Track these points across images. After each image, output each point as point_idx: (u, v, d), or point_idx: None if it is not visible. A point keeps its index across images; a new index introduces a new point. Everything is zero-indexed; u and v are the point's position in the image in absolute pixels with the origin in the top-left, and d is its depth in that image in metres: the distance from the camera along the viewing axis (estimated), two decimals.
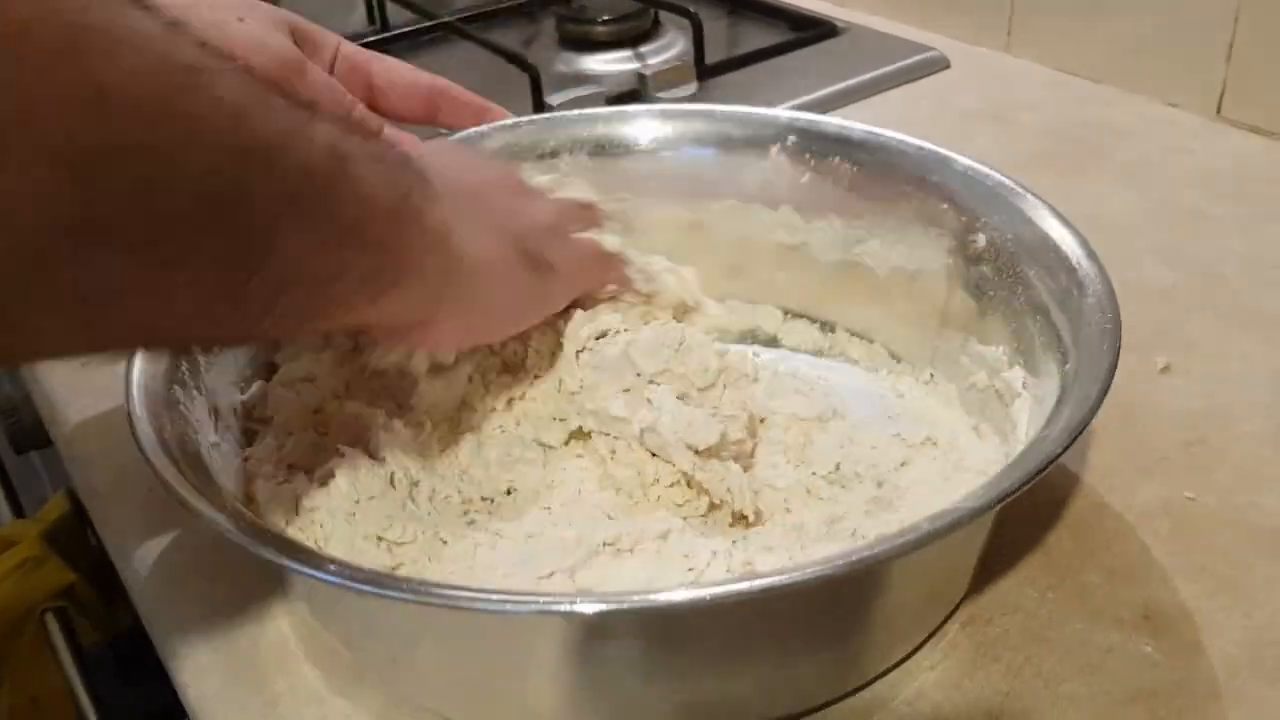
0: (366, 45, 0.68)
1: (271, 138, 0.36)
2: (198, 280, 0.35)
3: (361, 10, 1.13)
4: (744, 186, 0.63)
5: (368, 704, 0.46)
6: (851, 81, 0.94)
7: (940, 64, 0.99)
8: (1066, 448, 0.41)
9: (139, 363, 0.48)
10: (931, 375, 0.59)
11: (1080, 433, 0.42)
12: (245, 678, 0.48)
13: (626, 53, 1.00)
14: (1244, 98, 0.85)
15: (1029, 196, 0.55)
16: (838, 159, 0.61)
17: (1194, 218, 0.76)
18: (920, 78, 0.97)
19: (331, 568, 0.39)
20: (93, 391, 0.63)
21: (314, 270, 0.39)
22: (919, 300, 0.59)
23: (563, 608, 0.37)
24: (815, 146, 0.61)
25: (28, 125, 0.28)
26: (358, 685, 0.47)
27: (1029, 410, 0.50)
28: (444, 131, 0.67)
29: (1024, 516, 0.53)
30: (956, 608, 0.49)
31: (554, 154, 0.65)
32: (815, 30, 1.03)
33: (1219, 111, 0.87)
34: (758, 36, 1.04)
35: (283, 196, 0.36)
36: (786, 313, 0.64)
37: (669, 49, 1.01)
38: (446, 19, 1.06)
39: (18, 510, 0.92)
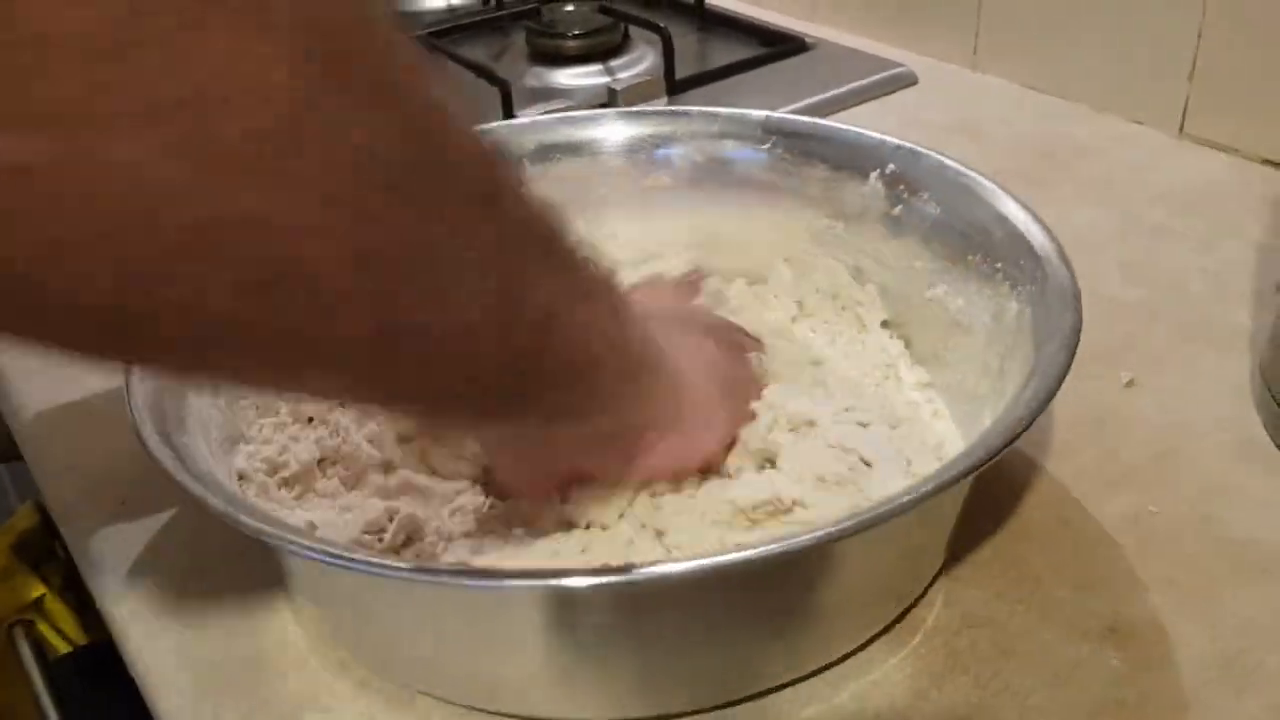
0: None
1: (537, 311, 0.36)
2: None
3: None
4: (844, 208, 0.63)
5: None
6: (820, 96, 0.95)
7: (908, 80, 1.00)
8: (1026, 427, 0.42)
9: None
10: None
11: (1034, 419, 0.43)
12: (217, 691, 0.48)
13: (596, 67, 1.01)
14: (1207, 115, 0.87)
15: (1065, 271, 0.52)
16: (927, 195, 0.60)
17: (1158, 233, 0.77)
18: (888, 93, 0.98)
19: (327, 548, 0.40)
20: (64, 403, 0.63)
21: (556, 412, 0.42)
22: (968, 359, 0.57)
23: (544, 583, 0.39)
24: (911, 177, 0.61)
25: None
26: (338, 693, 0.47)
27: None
28: None
29: (991, 529, 0.53)
30: (912, 609, 0.49)
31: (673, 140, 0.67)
32: (785, 46, 1.04)
33: (1182, 129, 0.88)
34: (727, 51, 1.05)
35: (543, 372, 0.38)
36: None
37: (639, 63, 1.01)
38: (415, 33, 1.06)
39: None
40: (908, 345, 0.62)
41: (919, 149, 0.61)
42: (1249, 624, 0.48)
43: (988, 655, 0.47)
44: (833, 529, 0.39)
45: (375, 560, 0.41)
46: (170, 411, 0.47)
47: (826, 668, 0.47)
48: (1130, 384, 0.62)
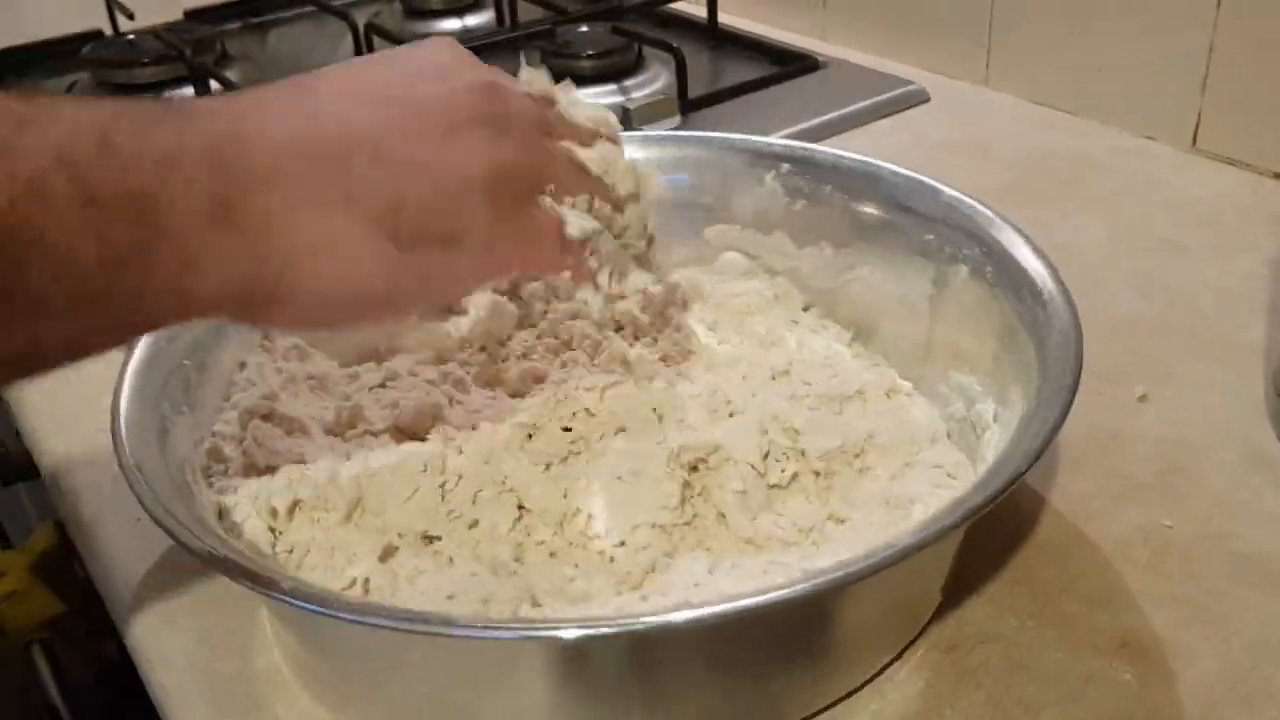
0: None
1: None
2: None
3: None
4: (740, 212, 0.67)
5: None
6: (833, 115, 0.96)
7: (920, 97, 1.00)
8: (1030, 466, 0.42)
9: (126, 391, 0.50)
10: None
11: (1040, 454, 0.43)
12: (234, 709, 0.48)
13: (610, 87, 1.01)
14: (1218, 130, 0.87)
15: (1007, 227, 0.56)
16: (830, 187, 0.63)
17: (1169, 248, 0.77)
18: (900, 111, 0.99)
19: (316, 596, 0.40)
20: (80, 423, 0.63)
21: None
22: (905, 328, 0.61)
23: (543, 633, 0.39)
24: (809, 174, 0.64)
25: None
26: (349, 712, 0.47)
27: (996, 441, 0.50)
28: None
29: (1003, 545, 0.53)
30: (926, 626, 0.49)
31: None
32: (797, 65, 1.05)
33: (1194, 144, 0.88)
34: (740, 71, 1.06)
35: None
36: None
37: (652, 83, 1.02)
38: None
39: (4, 542, 0.92)
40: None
41: (812, 146, 0.66)
42: (1260, 640, 0.48)
43: (1000, 671, 0.47)
44: (819, 581, 0.39)
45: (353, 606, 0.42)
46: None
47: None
48: (1144, 398, 0.62)
